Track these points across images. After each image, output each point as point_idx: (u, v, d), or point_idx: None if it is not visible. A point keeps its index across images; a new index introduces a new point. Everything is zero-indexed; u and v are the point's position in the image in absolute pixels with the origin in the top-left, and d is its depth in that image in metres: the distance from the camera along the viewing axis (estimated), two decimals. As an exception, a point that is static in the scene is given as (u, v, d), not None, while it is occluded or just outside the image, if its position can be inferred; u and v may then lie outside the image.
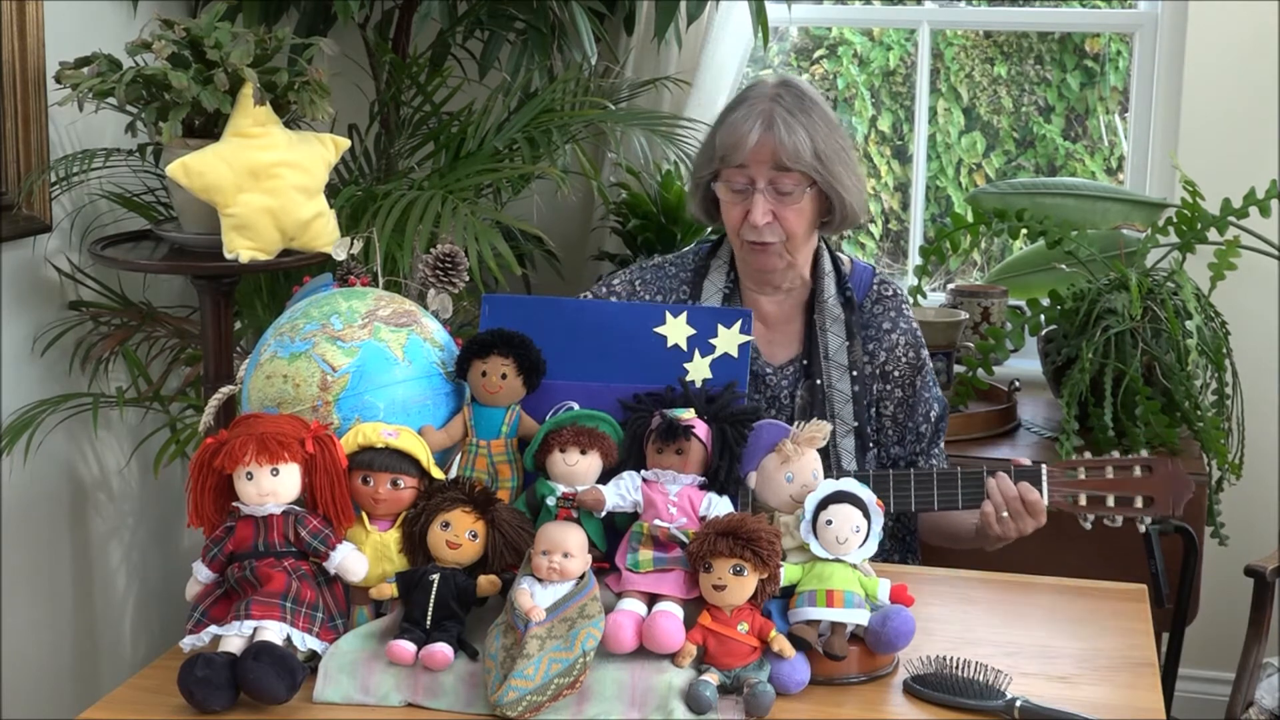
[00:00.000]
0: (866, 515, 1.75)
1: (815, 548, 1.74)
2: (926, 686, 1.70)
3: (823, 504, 1.74)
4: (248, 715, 1.64)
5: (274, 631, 1.67)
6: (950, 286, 3.41)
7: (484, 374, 1.86)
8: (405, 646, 1.67)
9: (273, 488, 1.72)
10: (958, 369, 3.13)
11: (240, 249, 2.33)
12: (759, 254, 2.37)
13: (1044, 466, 2.17)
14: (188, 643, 1.70)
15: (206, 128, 2.36)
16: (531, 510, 1.81)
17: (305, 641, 1.69)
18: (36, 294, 2.81)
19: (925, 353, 2.47)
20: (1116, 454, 2.18)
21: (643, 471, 1.80)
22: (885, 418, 2.44)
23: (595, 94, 3.07)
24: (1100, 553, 2.80)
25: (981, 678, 1.68)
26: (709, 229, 3.27)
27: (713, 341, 1.93)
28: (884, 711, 1.68)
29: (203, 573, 1.75)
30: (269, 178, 2.33)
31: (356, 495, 1.77)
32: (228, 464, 1.71)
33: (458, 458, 1.88)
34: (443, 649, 1.67)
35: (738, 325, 1.93)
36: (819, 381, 2.39)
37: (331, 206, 2.46)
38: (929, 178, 3.89)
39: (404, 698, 1.68)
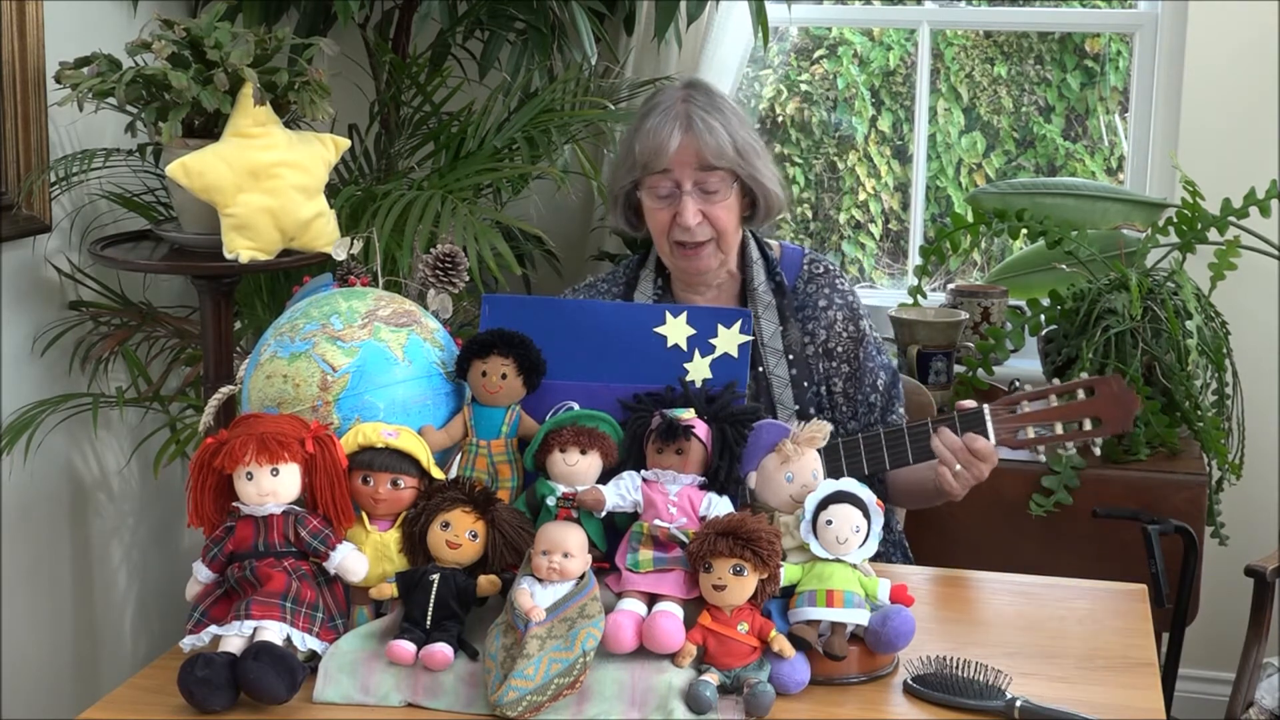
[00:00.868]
0: (866, 515, 1.75)
1: (815, 548, 1.74)
2: (926, 686, 1.70)
3: (823, 504, 1.75)
4: (248, 715, 1.64)
5: (274, 631, 1.67)
6: (950, 286, 3.41)
7: (484, 374, 1.86)
8: (405, 646, 1.67)
9: (273, 488, 1.72)
10: (958, 369, 3.13)
11: (240, 249, 2.33)
12: (692, 258, 2.39)
13: (986, 408, 2.16)
14: (188, 643, 1.70)
15: (206, 128, 2.36)
16: (531, 510, 1.81)
17: (305, 641, 1.69)
18: (36, 294, 2.81)
19: (865, 324, 2.46)
20: (1058, 381, 2.17)
21: (643, 471, 1.80)
22: (836, 394, 2.43)
23: (595, 94, 3.07)
24: (1100, 553, 2.80)
25: (981, 678, 1.68)
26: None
27: (713, 341, 1.93)
28: (884, 711, 1.68)
29: (203, 573, 1.75)
30: (269, 178, 2.33)
31: (356, 495, 1.77)
32: (228, 464, 1.72)
33: (458, 458, 1.89)
34: (443, 649, 1.67)
35: (738, 325, 1.93)
36: (760, 369, 2.40)
37: (331, 206, 2.46)
38: (929, 178, 3.89)
39: (404, 698, 1.68)
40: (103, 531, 3.06)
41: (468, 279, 2.09)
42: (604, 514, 1.78)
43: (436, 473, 1.81)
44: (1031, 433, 2.15)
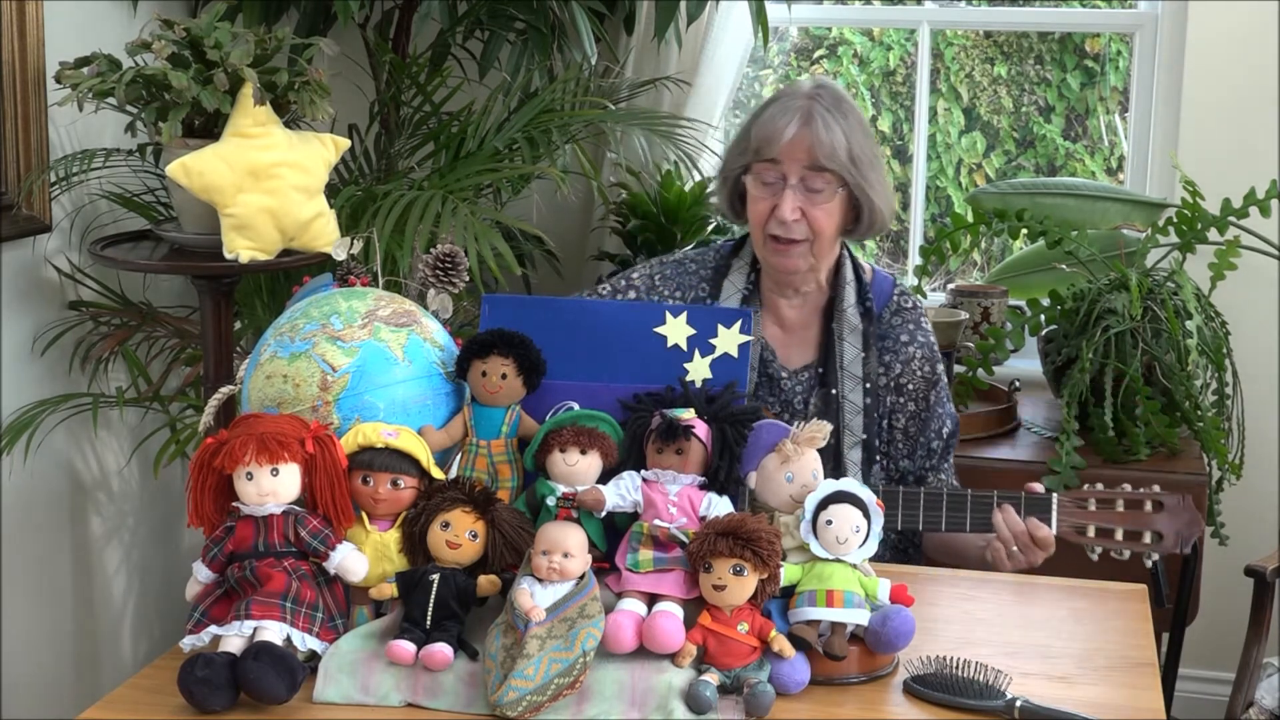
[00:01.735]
0: (866, 515, 1.75)
1: (815, 548, 1.74)
2: (926, 686, 1.70)
3: (823, 504, 1.74)
4: (248, 715, 1.64)
5: (274, 631, 1.67)
6: (950, 286, 3.41)
7: (484, 374, 1.86)
8: (405, 646, 1.67)
9: (273, 488, 1.72)
10: (958, 369, 3.13)
11: (240, 249, 2.33)
12: (782, 254, 2.34)
13: (1055, 496, 2.16)
14: (188, 643, 1.70)
15: (206, 128, 2.36)
16: (531, 510, 1.81)
17: (305, 641, 1.69)
18: (36, 294, 2.81)
19: (941, 368, 2.44)
20: (1128, 486, 2.17)
21: (643, 471, 1.80)
22: (897, 430, 2.42)
23: (595, 94, 3.07)
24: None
25: (981, 678, 1.68)
26: (709, 229, 3.27)
27: (713, 341, 1.93)
28: (884, 711, 1.68)
29: (203, 573, 1.75)
30: (269, 178, 2.32)
31: (356, 495, 1.77)
32: (228, 464, 1.71)
33: (458, 458, 1.88)
34: (443, 649, 1.67)
35: (738, 325, 1.93)
36: (834, 391, 2.38)
37: (331, 206, 2.46)
38: (929, 178, 3.89)
39: (404, 698, 1.68)
40: (103, 531, 3.06)
41: (468, 279, 2.09)
42: (604, 514, 1.78)
43: (436, 473, 1.81)
44: (1093, 532, 2.15)
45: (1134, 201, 3.32)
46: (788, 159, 2.31)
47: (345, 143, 2.47)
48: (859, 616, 1.72)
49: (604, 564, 1.77)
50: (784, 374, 2.41)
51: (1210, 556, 2.89)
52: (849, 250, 2.45)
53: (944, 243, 3.26)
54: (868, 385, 2.38)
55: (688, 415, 1.80)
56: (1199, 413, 2.88)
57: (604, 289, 2.46)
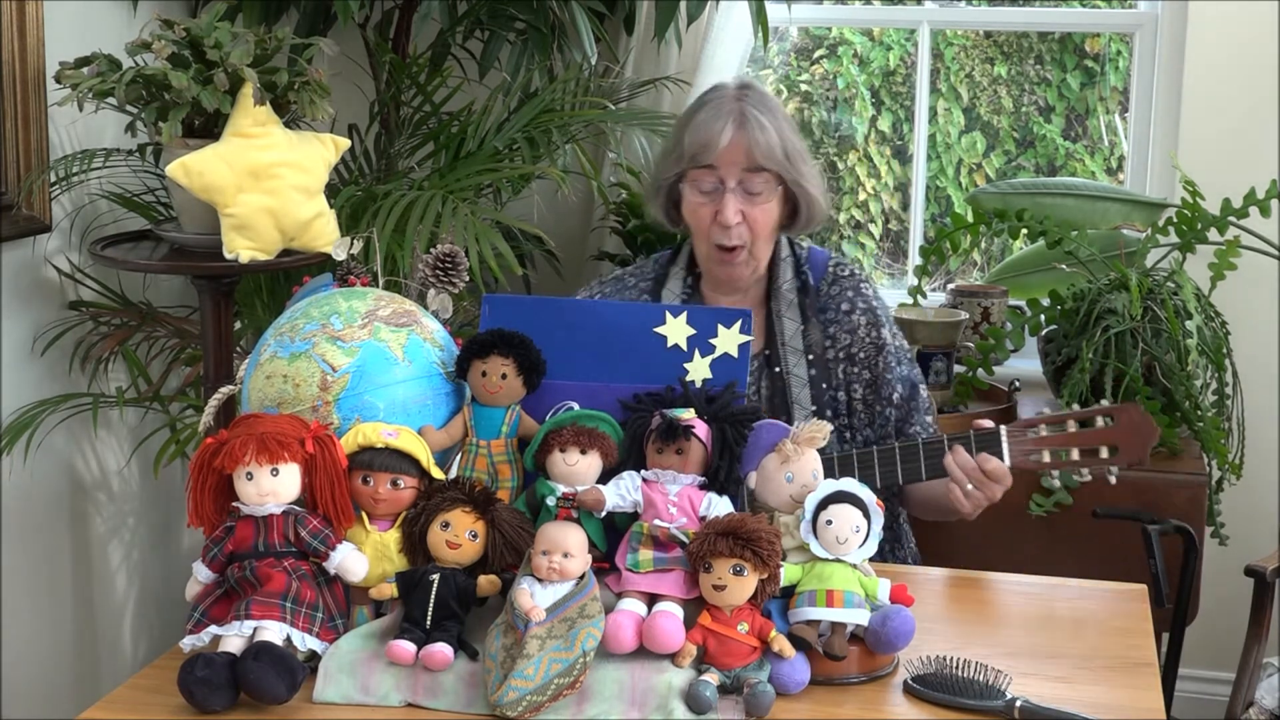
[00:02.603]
0: (866, 515, 1.75)
1: (815, 548, 1.74)
2: (926, 686, 1.70)
3: (823, 504, 1.75)
4: (248, 715, 1.64)
5: (274, 631, 1.67)
6: (950, 286, 3.41)
7: (484, 374, 1.86)
8: (405, 646, 1.67)
9: (273, 488, 1.72)
10: (958, 369, 3.13)
11: (240, 249, 2.33)
12: (729, 264, 2.38)
13: (1003, 428, 2.16)
14: (188, 643, 1.70)
15: (206, 128, 2.36)
16: (531, 510, 1.81)
17: (305, 641, 1.69)
18: (36, 294, 2.81)
19: (887, 332, 2.44)
20: (1077, 406, 2.17)
21: (643, 471, 1.80)
22: (856, 401, 2.42)
23: (595, 94, 3.07)
24: (1100, 553, 2.80)
25: (981, 678, 1.68)
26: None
27: (713, 341, 1.93)
28: (884, 711, 1.68)
29: (203, 573, 1.75)
30: (269, 178, 2.33)
31: (356, 495, 1.77)
32: (228, 464, 1.71)
33: (458, 458, 1.89)
34: (443, 649, 1.67)
35: (738, 325, 1.93)
36: (779, 369, 2.39)
37: (331, 206, 2.46)
38: (929, 178, 3.89)
39: (404, 698, 1.68)
40: (103, 531, 3.06)
41: (468, 279, 2.09)
42: (604, 514, 1.78)
43: (436, 473, 1.81)
44: (1047, 456, 2.15)
45: (1134, 201, 3.32)
46: (725, 164, 2.33)
47: (345, 143, 2.47)
48: (859, 616, 1.72)
49: (604, 564, 1.77)
50: None
51: (1210, 556, 2.89)
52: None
53: (944, 243, 3.26)
54: (810, 358, 2.40)
55: (688, 415, 1.80)
56: (1199, 413, 2.87)
57: None
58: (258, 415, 1.79)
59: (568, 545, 1.68)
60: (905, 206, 3.64)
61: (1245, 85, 3.26)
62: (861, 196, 4.12)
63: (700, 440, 1.79)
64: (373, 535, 1.77)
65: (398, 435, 1.78)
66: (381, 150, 3.11)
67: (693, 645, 1.67)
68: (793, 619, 1.72)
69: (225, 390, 2.02)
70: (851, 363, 2.42)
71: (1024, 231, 3.19)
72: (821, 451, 1.82)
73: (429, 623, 1.69)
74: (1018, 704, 1.65)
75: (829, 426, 1.82)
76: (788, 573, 1.73)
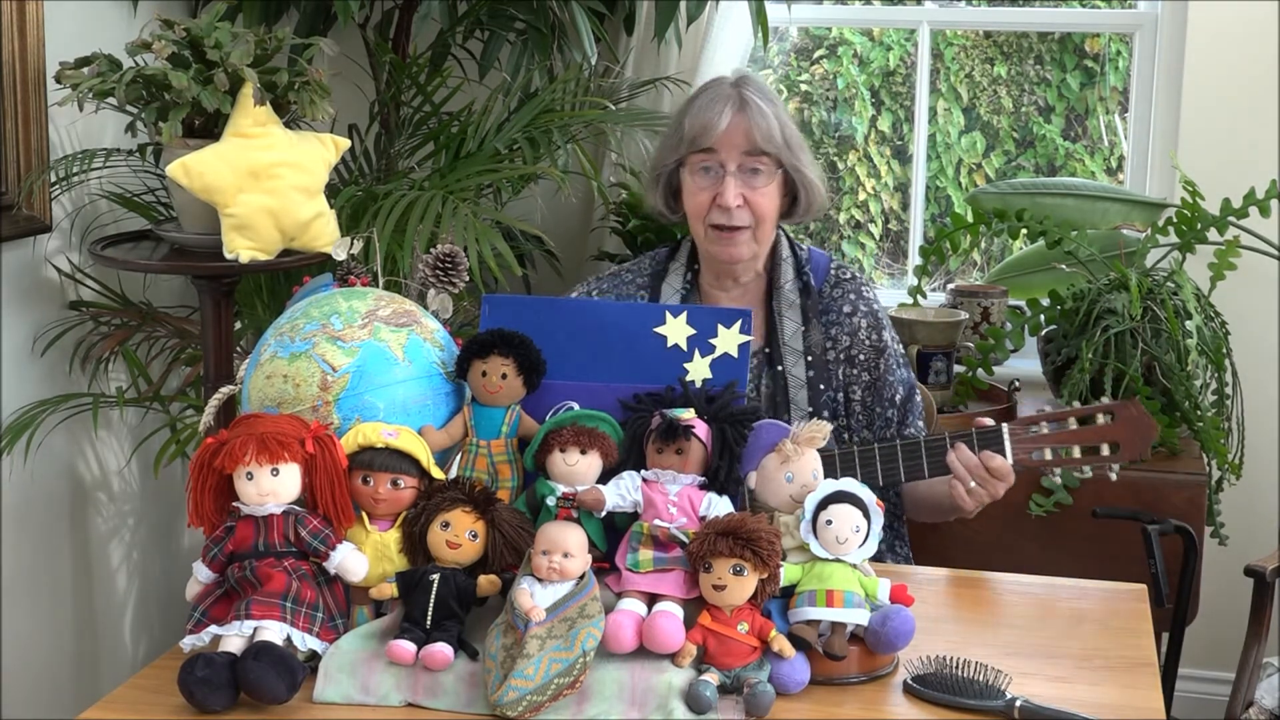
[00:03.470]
0: (866, 515, 1.75)
1: (815, 548, 1.74)
2: (926, 686, 1.70)
3: (823, 504, 1.75)
4: (248, 715, 1.64)
5: (274, 631, 1.67)
6: (950, 286, 3.41)
7: (484, 374, 1.86)
8: (405, 646, 1.67)
9: (273, 488, 1.72)
10: (958, 369, 3.13)
11: (240, 249, 2.33)
12: (727, 242, 2.37)
13: (1005, 426, 2.17)
14: (188, 643, 1.70)
15: (206, 128, 2.36)
16: (531, 510, 1.81)
17: (305, 641, 1.69)
18: (36, 294, 2.81)
19: (888, 334, 2.46)
20: (1078, 404, 2.18)
21: (643, 471, 1.80)
22: (854, 403, 2.43)
23: (595, 94, 3.07)
24: (1100, 553, 2.80)
25: (981, 678, 1.68)
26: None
27: (713, 341, 1.93)
28: (884, 711, 1.68)
29: (203, 573, 1.75)
30: (269, 178, 2.33)
31: (356, 495, 1.77)
32: (228, 464, 1.72)
33: (458, 458, 1.89)
34: (443, 649, 1.67)
35: (738, 325, 1.93)
36: (780, 368, 2.39)
37: (331, 206, 2.46)
38: (929, 178, 3.89)
39: (404, 698, 1.68)
40: (103, 531, 3.06)
41: (468, 279, 2.09)
42: (604, 514, 1.78)
43: (436, 473, 1.81)
44: (1049, 454, 2.15)
45: (1134, 201, 3.32)
46: (725, 147, 2.34)
47: (345, 143, 2.47)
48: (859, 616, 1.72)
49: (604, 564, 1.77)
50: None
51: (1210, 556, 2.89)
52: (784, 231, 2.48)
53: (944, 243, 3.26)
54: (809, 359, 2.40)
55: (688, 415, 1.80)
56: (1199, 413, 2.88)
57: None
58: (258, 415, 1.79)
59: (568, 545, 1.68)
60: (905, 206, 3.65)
61: (1245, 85, 3.26)
62: (861, 196, 4.12)
63: (700, 440, 1.79)
64: (373, 535, 1.77)
65: (398, 435, 1.78)
66: (381, 150, 3.11)
67: (693, 645, 1.67)
68: (793, 619, 1.72)
69: (225, 390, 2.02)
70: (851, 365, 2.42)
71: (1024, 231, 3.19)
72: (823, 449, 1.82)
73: (429, 623, 1.69)
74: (1018, 704, 1.65)
75: (829, 426, 1.82)
76: (788, 573, 1.73)
